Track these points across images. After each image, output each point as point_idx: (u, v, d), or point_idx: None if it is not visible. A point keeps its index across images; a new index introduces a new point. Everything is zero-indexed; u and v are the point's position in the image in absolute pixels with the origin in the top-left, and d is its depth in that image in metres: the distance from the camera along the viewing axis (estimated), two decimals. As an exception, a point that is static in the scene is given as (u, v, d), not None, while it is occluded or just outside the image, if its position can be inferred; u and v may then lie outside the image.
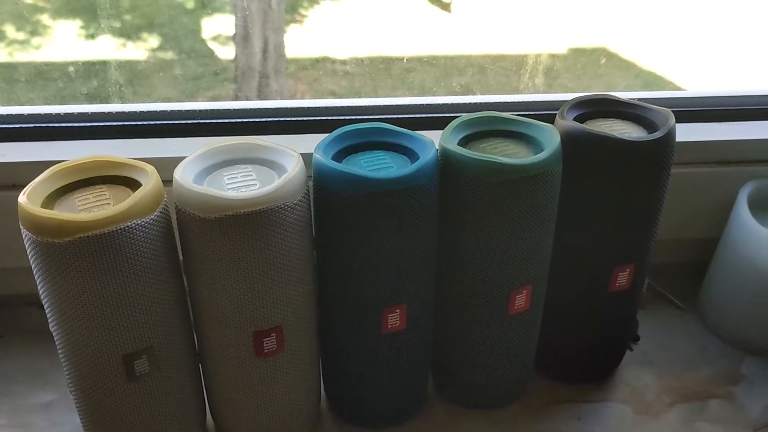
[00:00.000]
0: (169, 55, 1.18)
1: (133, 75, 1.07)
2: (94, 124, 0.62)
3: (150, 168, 0.44)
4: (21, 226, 0.40)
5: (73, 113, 0.62)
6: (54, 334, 0.43)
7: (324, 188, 0.45)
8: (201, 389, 0.51)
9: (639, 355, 0.63)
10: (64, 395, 0.57)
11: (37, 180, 0.42)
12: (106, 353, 0.43)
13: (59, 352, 0.44)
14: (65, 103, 0.64)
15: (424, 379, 0.56)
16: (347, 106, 0.65)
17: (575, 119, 0.52)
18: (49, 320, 0.43)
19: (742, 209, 0.62)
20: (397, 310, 0.48)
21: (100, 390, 0.44)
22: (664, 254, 0.62)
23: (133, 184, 0.44)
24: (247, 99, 1.09)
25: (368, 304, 0.47)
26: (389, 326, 0.48)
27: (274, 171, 0.45)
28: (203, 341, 0.48)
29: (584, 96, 0.54)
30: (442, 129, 0.50)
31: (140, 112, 0.63)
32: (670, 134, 0.50)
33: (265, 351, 0.46)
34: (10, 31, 1.11)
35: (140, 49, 1.13)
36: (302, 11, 1.29)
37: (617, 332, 0.58)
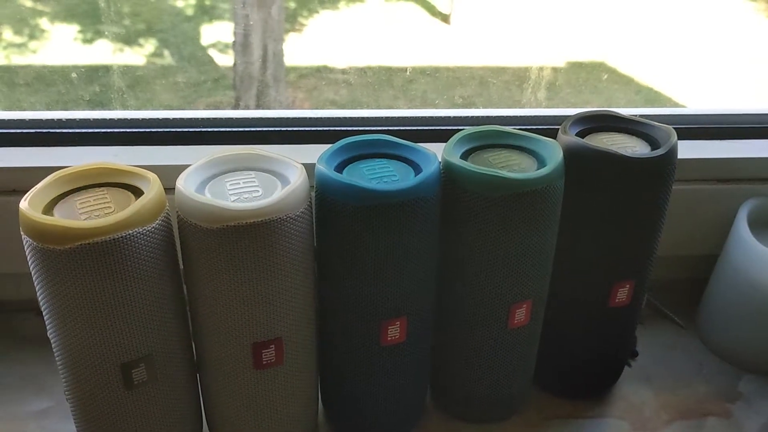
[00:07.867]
0: (168, 61, 1.18)
1: (133, 81, 1.06)
2: (96, 130, 0.62)
3: (152, 176, 0.43)
4: (22, 232, 0.40)
5: (74, 119, 0.62)
6: (52, 341, 0.43)
7: (326, 199, 0.45)
8: (198, 399, 0.50)
9: (637, 372, 0.62)
10: (59, 403, 0.56)
11: (38, 186, 0.42)
12: (105, 361, 0.42)
13: (57, 359, 0.44)
14: (64, 108, 0.64)
15: (423, 391, 0.55)
16: (350, 117, 0.65)
17: (577, 134, 0.52)
18: (48, 327, 0.43)
19: (742, 227, 0.62)
20: (397, 323, 0.48)
21: (97, 398, 0.44)
22: (663, 270, 0.62)
23: (134, 191, 0.43)
24: (246, 106, 1.09)
25: (368, 316, 0.47)
26: (389, 338, 0.48)
27: (278, 181, 0.45)
28: (202, 351, 0.47)
29: (587, 111, 0.54)
30: (445, 142, 0.50)
31: (142, 119, 0.63)
32: (672, 151, 0.50)
33: (264, 363, 0.45)
34: (7, 34, 1.11)
35: (140, 55, 1.13)
36: (302, 20, 1.30)
37: (616, 348, 0.58)
